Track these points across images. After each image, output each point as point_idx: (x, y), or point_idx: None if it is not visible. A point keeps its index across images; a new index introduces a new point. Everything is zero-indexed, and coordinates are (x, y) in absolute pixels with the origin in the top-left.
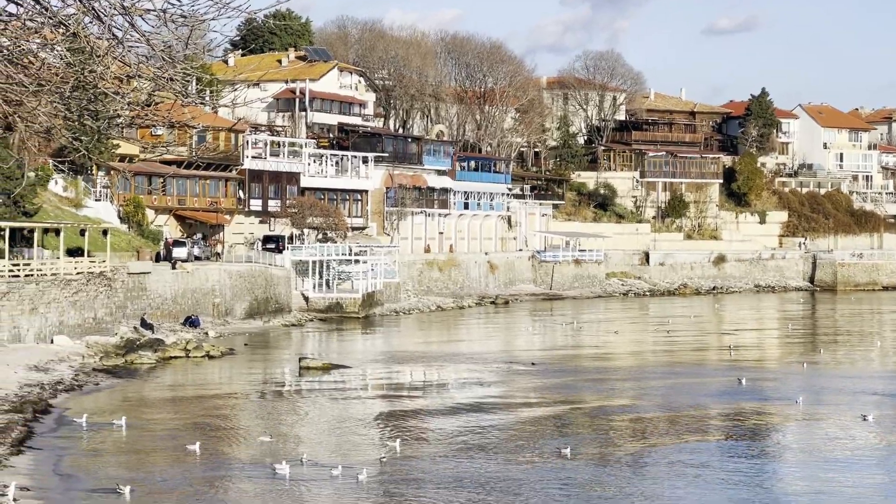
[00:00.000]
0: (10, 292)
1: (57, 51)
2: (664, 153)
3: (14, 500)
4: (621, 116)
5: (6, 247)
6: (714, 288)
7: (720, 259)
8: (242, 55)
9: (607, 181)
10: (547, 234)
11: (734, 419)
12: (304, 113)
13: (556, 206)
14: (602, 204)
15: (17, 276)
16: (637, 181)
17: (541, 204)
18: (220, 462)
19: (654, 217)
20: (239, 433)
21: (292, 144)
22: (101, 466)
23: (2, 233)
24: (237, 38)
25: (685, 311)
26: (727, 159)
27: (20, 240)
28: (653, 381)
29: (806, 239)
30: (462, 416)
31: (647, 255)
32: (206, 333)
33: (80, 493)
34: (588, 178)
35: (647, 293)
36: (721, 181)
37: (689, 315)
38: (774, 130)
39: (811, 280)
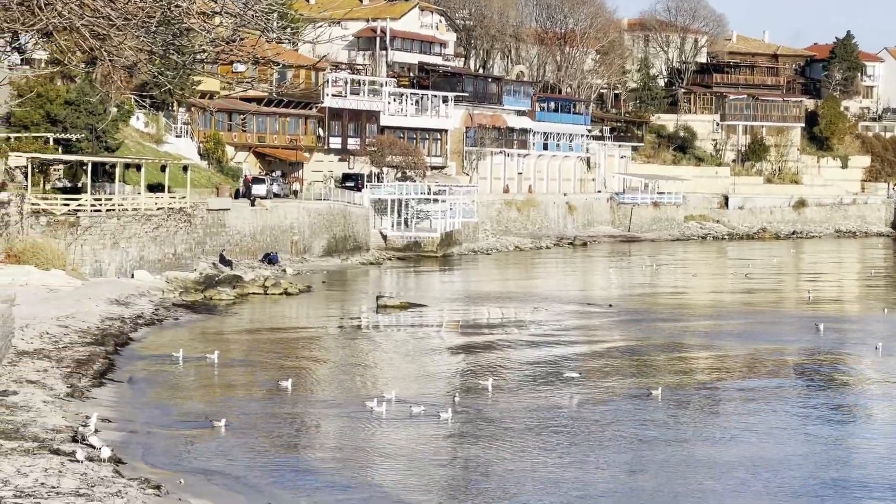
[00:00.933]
0: (92, 227)
1: None
2: (745, 96)
3: (96, 430)
4: (702, 59)
5: (88, 181)
6: (794, 233)
7: (800, 204)
8: None
9: (687, 124)
10: (626, 176)
11: (811, 365)
12: (384, 52)
13: (635, 149)
14: (681, 147)
15: (99, 210)
16: (717, 124)
17: (620, 146)
18: (309, 398)
19: (733, 161)
20: (321, 370)
21: (372, 83)
22: (185, 400)
23: (84, 167)
24: None
25: (764, 255)
26: (809, 103)
27: (102, 175)
28: (730, 325)
29: (890, 184)
30: (540, 356)
31: (726, 199)
32: (284, 270)
33: (165, 425)
34: (668, 121)
35: (726, 237)
36: (803, 125)
37: (767, 259)
38: (859, 74)
39: (893, 226)
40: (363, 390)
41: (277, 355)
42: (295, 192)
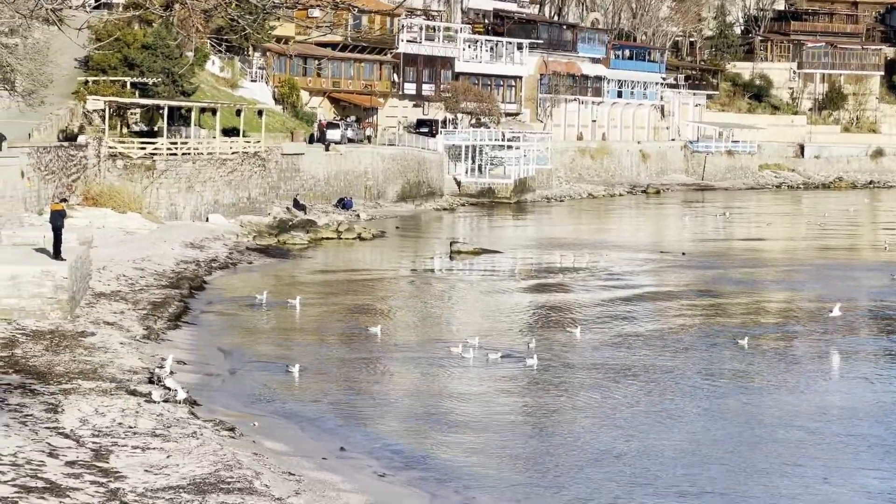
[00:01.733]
0: (168, 170)
1: None
2: (823, 44)
3: (171, 372)
4: (780, 6)
5: (164, 125)
6: (870, 182)
7: (878, 153)
8: None
9: (763, 72)
10: (700, 124)
11: (886, 316)
12: None
13: (709, 97)
14: (757, 95)
15: (175, 154)
16: (794, 72)
17: (694, 94)
18: (388, 344)
19: (810, 109)
20: (399, 316)
21: (447, 29)
22: (261, 344)
23: (160, 111)
24: None
25: (840, 204)
26: (889, 51)
27: (178, 119)
28: (805, 275)
29: None
30: (615, 304)
31: (801, 148)
32: (358, 215)
33: (241, 369)
34: (743, 69)
35: (801, 186)
36: (882, 73)
37: (843, 209)
38: None
39: None
40: (445, 336)
41: (355, 301)
42: (369, 138)
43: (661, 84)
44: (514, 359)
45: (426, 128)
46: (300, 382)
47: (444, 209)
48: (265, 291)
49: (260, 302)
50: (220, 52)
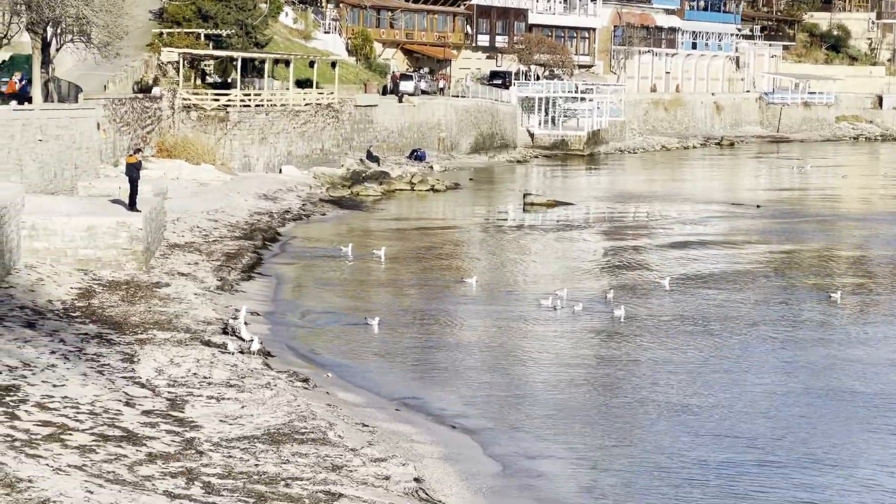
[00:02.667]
0: (241, 122)
1: None
2: None
3: (245, 323)
4: None
5: (238, 77)
6: None
7: None
8: None
9: (841, 22)
10: (775, 75)
11: None
12: None
13: (785, 48)
14: (834, 46)
15: (248, 106)
16: (873, 23)
17: (770, 45)
18: (472, 296)
19: (889, 60)
20: (481, 267)
21: None
22: (334, 294)
23: (234, 63)
24: None
25: None
26: None
27: (251, 70)
28: (882, 228)
29: None
30: (691, 256)
31: (880, 99)
32: (431, 167)
33: (316, 321)
34: (821, 19)
35: (878, 138)
36: None
37: None
38: None
39: None
40: (530, 288)
41: (434, 252)
42: (441, 90)
43: (737, 35)
44: (600, 311)
45: (499, 80)
46: (377, 336)
47: (517, 161)
48: (350, 243)
49: (345, 253)
50: (293, 3)
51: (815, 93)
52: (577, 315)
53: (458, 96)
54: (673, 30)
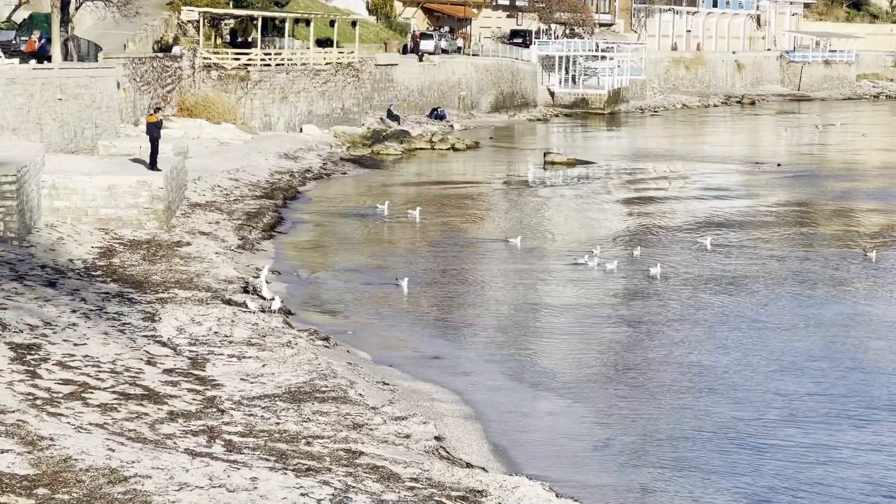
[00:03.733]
0: (262, 81)
1: None
2: None
3: (266, 282)
4: None
5: (258, 36)
6: None
7: None
8: None
9: None
10: (796, 34)
11: None
12: None
13: (806, 6)
14: (855, 4)
15: (269, 65)
16: None
17: (791, 3)
18: (503, 255)
19: None
20: (507, 225)
21: None
22: (355, 253)
23: (254, 22)
24: None
25: None
26: None
27: (272, 29)
28: None
29: None
30: (715, 214)
31: None
32: (452, 126)
33: (335, 279)
34: None
35: None
36: None
37: None
38: None
39: None
40: (559, 246)
41: (460, 211)
42: (459, 49)
43: None
44: (633, 269)
45: (520, 38)
46: (405, 295)
47: (538, 120)
48: (386, 202)
49: (381, 212)
50: None
51: (835, 51)
52: (610, 273)
53: (475, 55)
54: None
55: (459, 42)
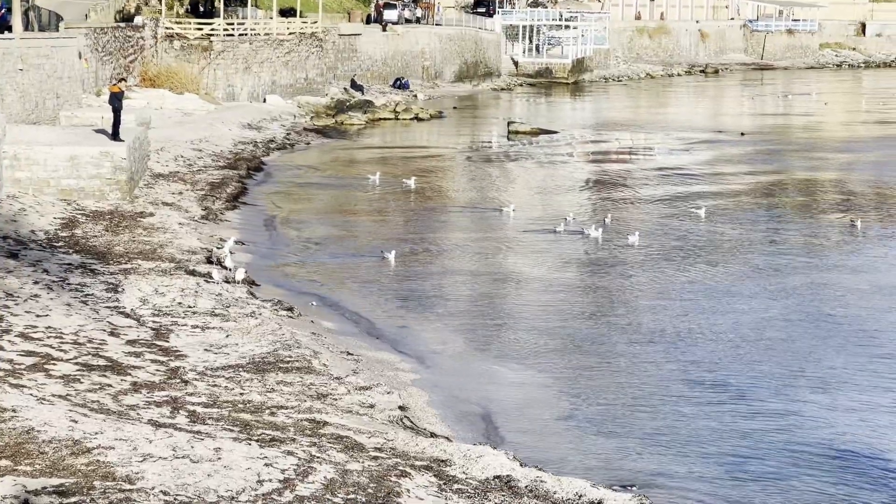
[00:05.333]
0: (225, 51)
1: None
2: None
3: (230, 252)
4: None
5: (221, 6)
6: None
7: None
8: None
9: None
10: (760, 3)
11: None
12: None
13: None
14: None
15: (232, 35)
16: None
17: None
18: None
19: None
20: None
21: None
22: (317, 223)
23: None
24: None
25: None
26: None
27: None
28: (865, 154)
29: None
30: (679, 183)
31: (863, 26)
32: (415, 96)
33: (298, 249)
34: None
35: (861, 65)
36: None
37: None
38: None
39: None
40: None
41: (425, 180)
42: (419, 19)
43: None
44: (609, 237)
45: (483, 7)
46: (391, 267)
47: (502, 89)
48: (378, 172)
49: (373, 182)
50: None
51: (799, 20)
52: (590, 241)
53: (438, 24)
54: None
55: (419, 12)
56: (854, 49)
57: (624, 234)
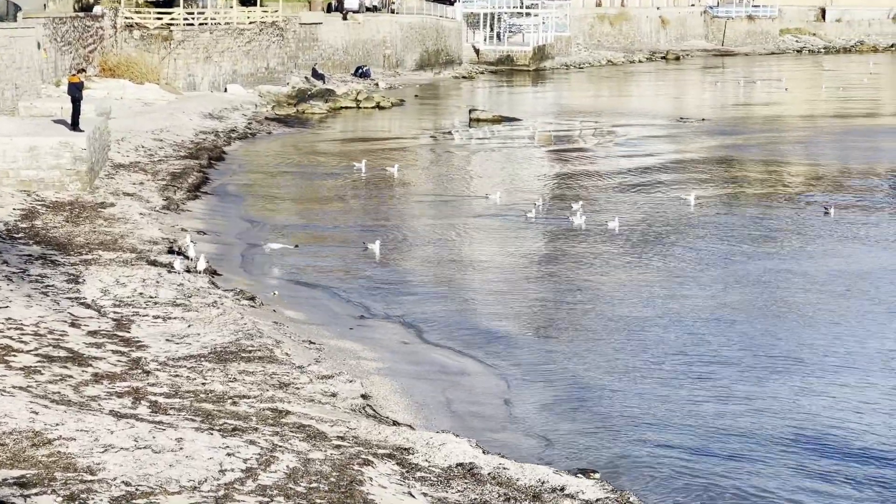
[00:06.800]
0: (185, 41)
1: None
2: None
3: (192, 242)
4: None
5: None
6: (892, 45)
7: None
8: None
9: None
10: None
11: None
12: None
13: None
14: None
15: (192, 24)
16: None
17: None
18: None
19: None
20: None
21: None
22: (278, 212)
23: None
24: None
25: (861, 68)
26: None
27: None
28: (826, 139)
29: None
30: (640, 170)
31: (823, 11)
32: (377, 84)
33: (258, 238)
34: None
35: (822, 50)
36: None
37: (864, 73)
38: None
39: None
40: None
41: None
42: (375, 8)
43: None
44: (597, 222)
45: None
46: (320, 253)
47: (463, 77)
48: (364, 160)
49: (358, 170)
50: None
51: (759, 6)
52: (564, 227)
53: (393, 12)
54: None
55: (375, 0)
56: (814, 35)
57: (610, 219)
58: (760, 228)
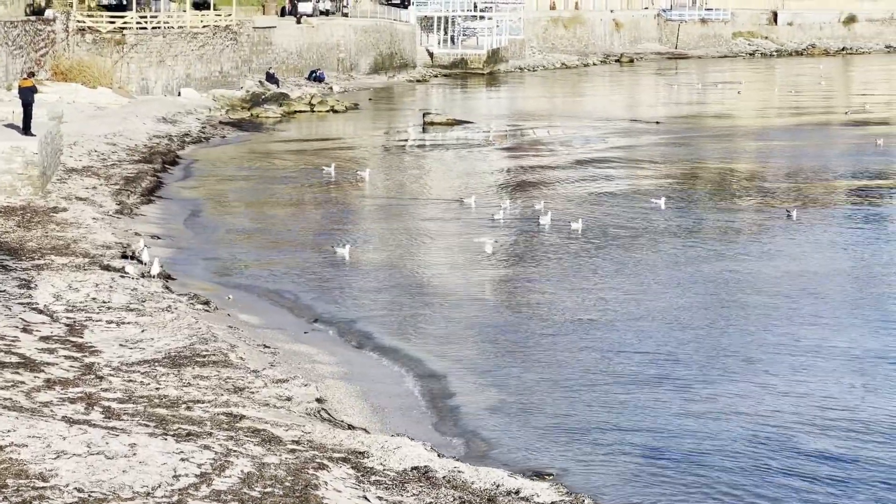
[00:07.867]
0: (138, 45)
1: None
2: None
3: (145, 247)
4: None
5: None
6: (843, 49)
7: (850, 19)
8: None
9: None
10: None
11: (871, 180)
12: None
13: None
14: None
15: (145, 28)
16: None
17: None
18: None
19: None
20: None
21: None
22: (234, 216)
23: None
24: None
25: (812, 71)
26: None
27: None
28: (780, 142)
29: None
30: (593, 172)
31: (775, 15)
32: (331, 88)
33: (211, 241)
34: None
35: (774, 53)
36: None
37: (816, 76)
38: None
39: None
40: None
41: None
42: (327, 12)
43: None
44: (554, 223)
45: None
46: (276, 257)
47: (417, 80)
48: (333, 164)
49: (328, 174)
50: None
51: (711, 9)
52: (543, 229)
53: (345, 15)
54: None
55: (329, 3)
56: (766, 38)
57: (573, 220)
58: (722, 230)
